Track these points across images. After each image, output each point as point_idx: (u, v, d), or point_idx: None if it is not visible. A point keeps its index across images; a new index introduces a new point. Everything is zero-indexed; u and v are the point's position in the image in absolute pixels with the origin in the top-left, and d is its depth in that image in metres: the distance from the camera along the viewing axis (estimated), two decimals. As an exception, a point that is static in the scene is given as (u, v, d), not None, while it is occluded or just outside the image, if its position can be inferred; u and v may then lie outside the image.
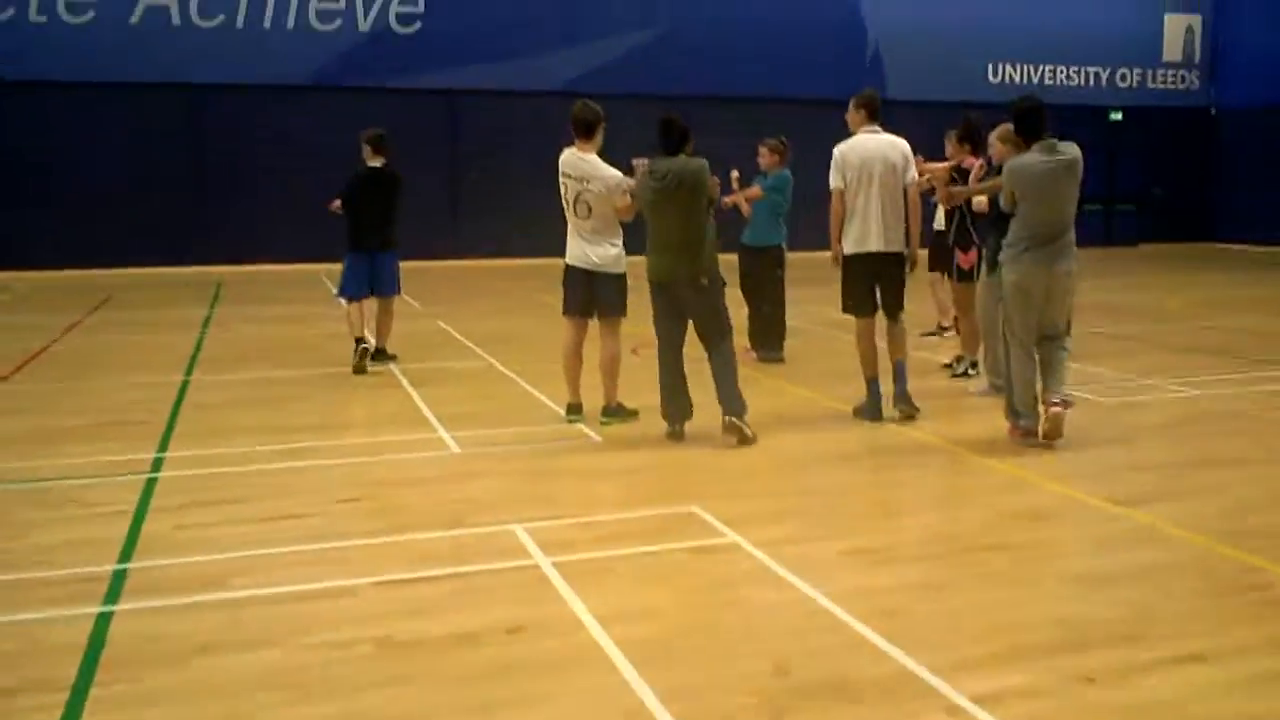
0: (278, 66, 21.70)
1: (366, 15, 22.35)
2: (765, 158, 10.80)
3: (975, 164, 9.50)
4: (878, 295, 8.28)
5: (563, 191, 7.95)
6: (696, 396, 7.76)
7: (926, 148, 8.42)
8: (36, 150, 20.50)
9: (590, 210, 7.83)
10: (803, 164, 11.11)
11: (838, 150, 8.19)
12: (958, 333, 10.63)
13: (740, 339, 8.65)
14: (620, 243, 7.98)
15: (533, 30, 22.99)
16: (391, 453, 7.47)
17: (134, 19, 20.98)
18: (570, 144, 7.96)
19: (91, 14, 20.68)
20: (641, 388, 8.29)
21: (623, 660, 4.19)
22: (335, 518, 6.09)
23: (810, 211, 13.22)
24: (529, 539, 5.60)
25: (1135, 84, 28.10)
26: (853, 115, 8.31)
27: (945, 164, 9.94)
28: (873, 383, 8.27)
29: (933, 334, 12.18)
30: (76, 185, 20.55)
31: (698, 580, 5.18)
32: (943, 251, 10.56)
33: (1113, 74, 27.86)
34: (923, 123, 12.73)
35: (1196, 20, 28.36)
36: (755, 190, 10.63)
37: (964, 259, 9.82)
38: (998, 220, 8.15)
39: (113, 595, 4.89)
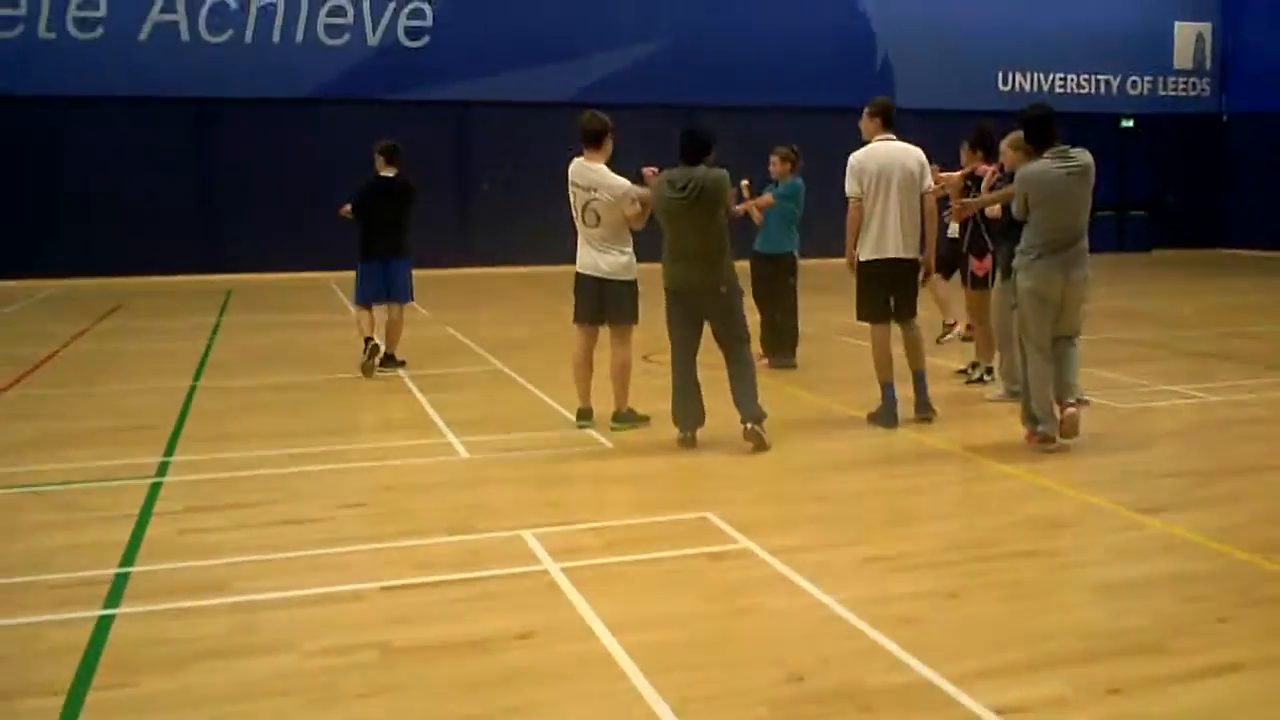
0: (287, 81, 21.70)
1: (375, 29, 22.34)
2: (777, 166, 10.74)
3: (988, 171, 9.46)
4: (892, 302, 8.19)
5: (572, 200, 7.90)
6: (709, 403, 7.66)
7: (936, 156, 8.37)
8: (48, 163, 20.56)
9: (599, 219, 7.77)
10: (812, 173, 11.02)
11: (854, 158, 8.10)
12: (963, 332, 10.54)
13: (753, 345, 8.54)
14: (630, 250, 7.92)
15: (539, 42, 22.94)
16: (400, 458, 7.39)
17: (143, 35, 21.01)
18: (579, 154, 7.91)
19: (100, 30, 20.72)
20: (654, 394, 8.20)
21: (633, 668, 4.09)
22: (341, 523, 6.00)
23: (822, 219, 13.17)
24: (538, 545, 5.51)
25: (1146, 91, 27.96)
26: (867, 123, 8.24)
27: (959, 172, 9.89)
28: (888, 388, 8.17)
29: (953, 336, 12.15)
30: (88, 197, 20.56)
31: (710, 587, 5.08)
32: (949, 255, 10.47)
33: (1123, 81, 27.72)
34: (932, 131, 12.61)
35: (1207, 27, 28.22)
36: (766, 198, 10.58)
37: (978, 265, 9.75)
38: (1010, 228, 8.09)
39: (113, 599, 4.81)
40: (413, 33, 22.56)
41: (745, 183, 10.66)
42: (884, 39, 25.25)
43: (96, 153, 20.72)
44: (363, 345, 10.43)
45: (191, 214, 21.52)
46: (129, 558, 5.35)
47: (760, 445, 7.40)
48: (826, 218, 14.56)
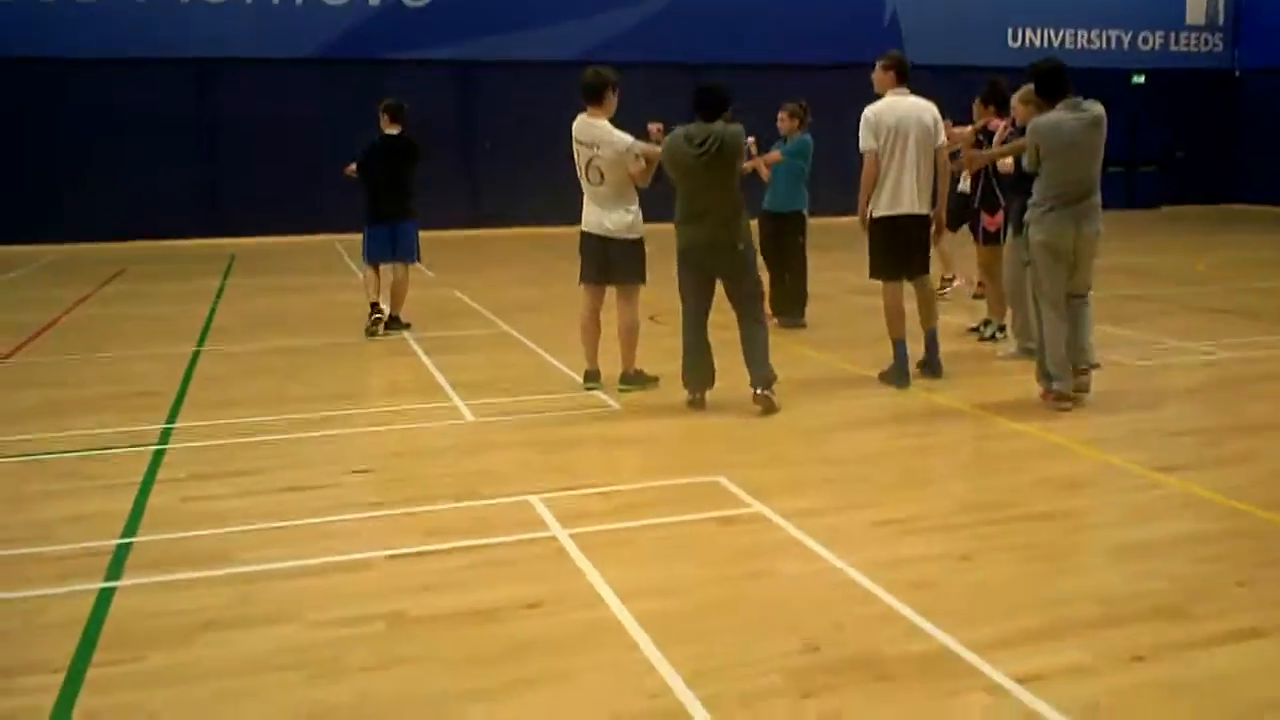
0: (288, 41, 21.48)
1: (377, -12, 22.10)
2: (785, 122, 10.58)
3: (1000, 125, 9.35)
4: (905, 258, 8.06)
5: (576, 158, 7.76)
6: (719, 364, 7.55)
7: (944, 114, 8.23)
8: (50, 127, 20.42)
9: (603, 176, 7.64)
10: (819, 129, 10.85)
11: (870, 111, 7.92)
12: (963, 286, 10.41)
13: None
14: (636, 208, 7.78)
15: (543, 1, 22.67)
16: (405, 423, 7.30)
17: (143, -3, 20.81)
18: (583, 111, 7.76)
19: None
20: (663, 355, 8.09)
21: (644, 637, 4.01)
22: (347, 489, 5.92)
23: (829, 176, 13.00)
24: (546, 510, 5.43)
25: (1158, 47, 27.60)
26: (880, 76, 8.06)
27: (970, 127, 9.77)
28: (899, 345, 8.05)
29: (950, 290, 12.10)
30: (90, 161, 20.45)
31: (721, 552, 4.99)
32: (956, 209, 10.32)
33: (1135, 37, 27.36)
34: (941, 88, 12.38)
35: (1219, -18, 27.85)
36: (775, 155, 10.43)
37: (990, 221, 9.63)
38: (1021, 182, 7.99)
39: (115, 571, 4.74)
40: (415, -10, 22.31)
41: (752, 140, 10.49)
42: (892, -6, 24.92)
43: (97, 115, 20.55)
44: (369, 310, 10.40)
45: (194, 177, 21.38)
46: (131, 528, 5.27)
47: (770, 409, 7.30)
48: (835, 175, 14.44)
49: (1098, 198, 7.28)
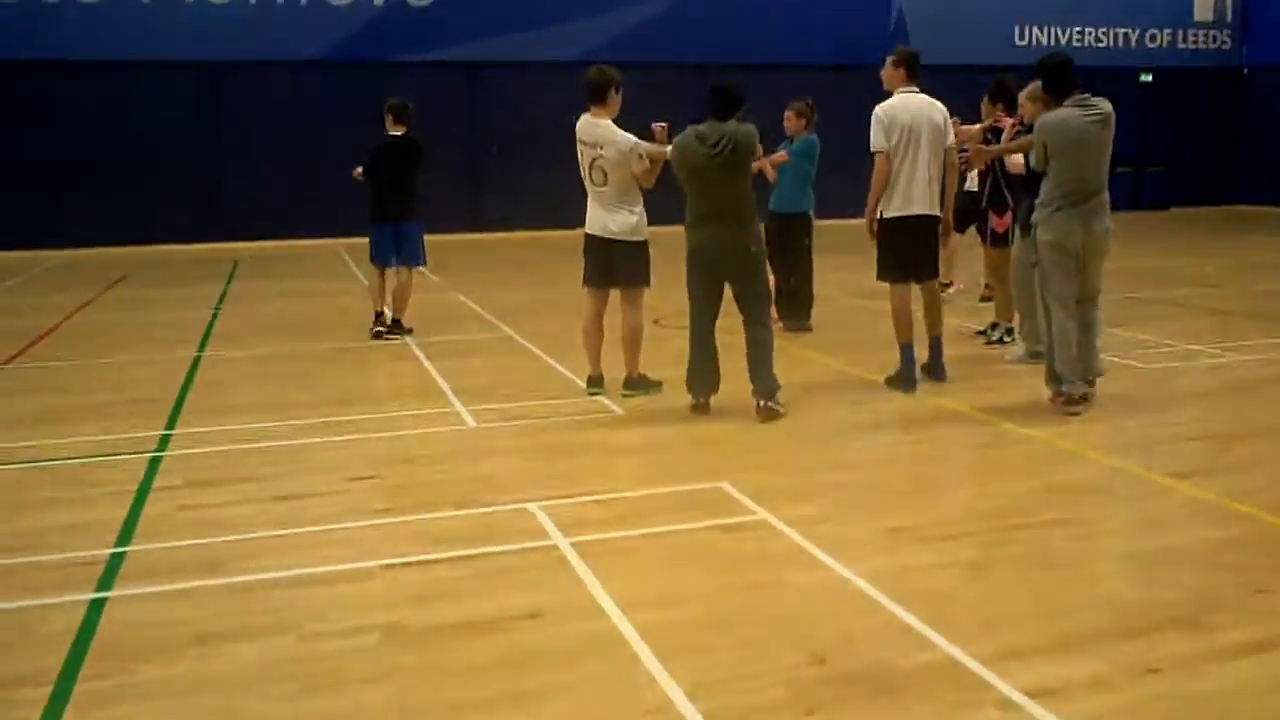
0: (293, 42, 21.40)
1: (382, -11, 22.02)
2: (791, 122, 10.47)
3: (1008, 123, 9.26)
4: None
5: (579, 159, 7.67)
6: (723, 367, 7.46)
7: (950, 113, 8.14)
8: (52, 130, 20.29)
9: (606, 177, 7.55)
10: (825, 130, 10.75)
11: (882, 109, 7.79)
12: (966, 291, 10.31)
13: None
14: (640, 210, 7.68)
15: (549, 1, 22.59)
16: (407, 428, 7.22)
17: (147, -1, 20.77)
18: (587, 111, 7.67)
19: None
20: (666, 359, 8.01)
21: (645, 649, 3.92)
22: (347, 497, 5.84)
23: (836, 178, 12.88)
24: (547, 518, 5.34)
25: (1165, 44, 27.43)
26: (890, 73, 7.94)
27: (978, 125, 9.69)
28: (907, 349, 7.95)
29: (949, 295, 11.99)
30: (92, 165, 20.35)
31: (726, 561, 4.90)
32: (963, 209, 10.23)
33: (1142, 35, 27.19)
34: (948, 87, 12.30)
35: (1228, -21, 27.70)
36: (781, 155, 10.32)
37: (998, 222, 9.55)
38: (1030, 182, 7.90)
39: (107, 581, 4.66)
40: (420, -9, 22.23)
41: (757, 140, 10.40)
42: (898, -7, 24.81)
43: (100, 119, 20.47)
44: (372, 316, 10.41)
45: (197, 181, 21.29)
46: (125, 536, 5.19)
47: (772, 417, 7.21)
48: (843, 176, 14.32)
49: (1105, 196, 7.18)
